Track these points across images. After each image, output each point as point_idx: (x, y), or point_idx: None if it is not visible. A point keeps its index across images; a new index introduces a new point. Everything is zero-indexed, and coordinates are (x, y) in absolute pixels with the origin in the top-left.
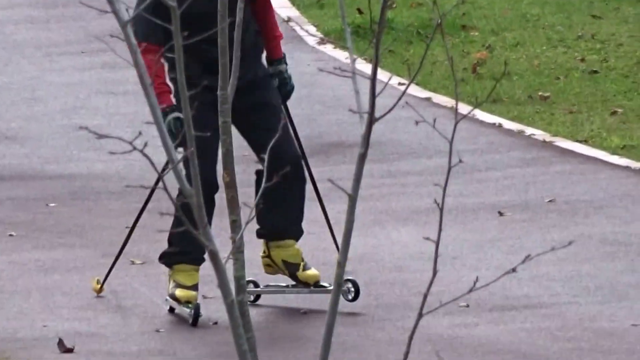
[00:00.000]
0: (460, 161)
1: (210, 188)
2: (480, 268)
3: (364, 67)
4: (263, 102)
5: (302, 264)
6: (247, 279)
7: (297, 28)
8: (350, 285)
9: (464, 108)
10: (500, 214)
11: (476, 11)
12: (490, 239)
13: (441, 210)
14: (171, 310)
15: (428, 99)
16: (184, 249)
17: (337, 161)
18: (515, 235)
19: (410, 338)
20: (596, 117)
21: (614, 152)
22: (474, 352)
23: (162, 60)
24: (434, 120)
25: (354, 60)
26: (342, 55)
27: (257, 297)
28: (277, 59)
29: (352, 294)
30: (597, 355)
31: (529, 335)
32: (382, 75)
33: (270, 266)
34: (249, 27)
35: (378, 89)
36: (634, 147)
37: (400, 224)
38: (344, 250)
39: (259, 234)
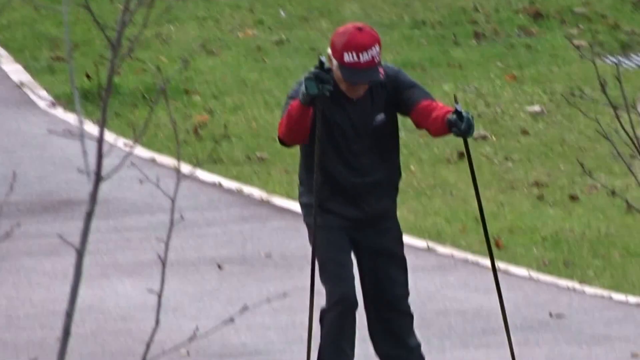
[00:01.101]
0: (182, 218)
1: (351, 305)
2: (200, 318)
3: (92, 129)
4: (386, 247)
5: None
6: None
7: (30, 92)
8: None
9: (185, 168)
10: (220, 267)
11: (198, 76)
12: (209, 290)
13: (164, 263)
14: None
15: (152, 160)
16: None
17: (67, 218)
18: (233, 287)
19: None
20: None
21: None
22: None
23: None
24: (158, 179)
25: (82, 123)
26: (72, 118)
27: None
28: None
29: None
30: None
31: None
32: (109, 136)
33: None
34: (386, 152)
35: (105, 149)
36: None
37: (125, 276)
38: (71, 302)
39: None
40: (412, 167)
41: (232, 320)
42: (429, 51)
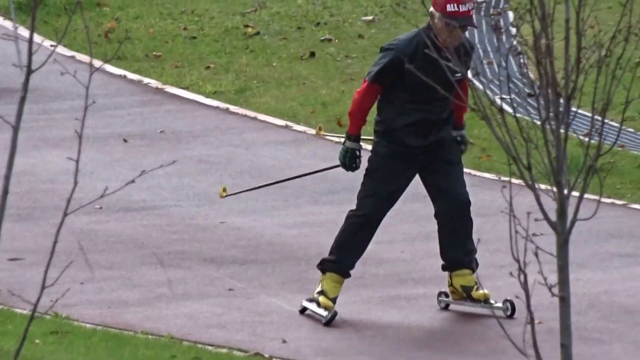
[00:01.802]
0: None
1: (375, 222)
2: (110, 180)
3: (25, 33)
4: (451, 161)
5: (475, 286)
6: (442, 290)
7: None
8: (508, 304)
9: (97, 63)
10: (125, 140)
11: None
12: (117, 159)
13: (80, 138)
14: (303, 311)
15: (72, 57)
16: (340, 259)
17: (6, 102)
18: (135, 156)
19: (58, 231)
20: (195, 70)
21: (207, 96)
22: (106, 242)
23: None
24: (75, 72)
25: (16, 28)
26: (9, 25)
27: (447, 305)
28: (460, 126)
29: (509, 312)
30: (195, 244)
31: (145, 229)
32: (38, 39)
33: (455, 293)
34: (448, 103)
35: (34, 49)
36: (222, 93)
37: (51, 148)
38: (9, 167)
39: (443, 267)
40: (274, 63)
41: (133, 181)
42: None
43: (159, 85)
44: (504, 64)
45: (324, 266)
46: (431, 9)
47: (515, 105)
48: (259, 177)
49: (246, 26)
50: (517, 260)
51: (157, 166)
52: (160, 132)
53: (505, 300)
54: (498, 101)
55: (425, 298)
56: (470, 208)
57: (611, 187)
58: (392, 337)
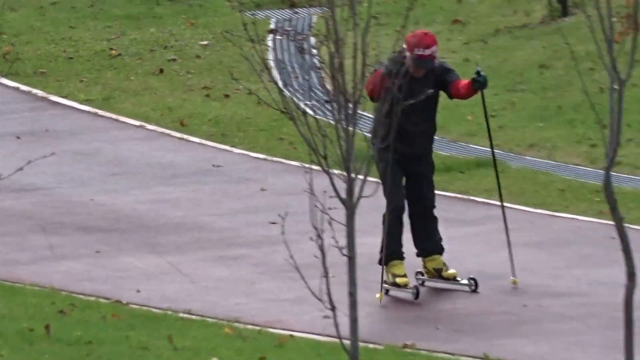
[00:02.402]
0: None
1: (401, 211)
2: (6, 168)
3: None
4: (425, 175)
5: (444, 267)
6: (419, 270)
7: None
8: (472, 281)
9: None
10: (18, 137)
11: (5, 23)
12: (12, 152)
13: None
14: (387, 292)
15: None
16: (394, 250)
17: None
18: (26, 150)
19: None
20: (71, 83)
21: (81, 103)
22: (1, 215)
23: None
24: None
25: None
26: None
27: (423, 282)
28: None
29: (474, 287)
30: (71, 216)
31: (33, 205)
32: None
33: (428, 273)
34: (431, 114)
35: None
36: (92, 100)
37: None
38: None
39: (417, 255)
40: (132, 78)
41: (22, 169)
42: (140, 8)
43: (44, 94)
44: (307, 77)
45: (383, 260)
46: (404, 45)
47: (315, 109)
48: (120, 165)
49: (111, 49)
50: (316, 228)
51: (42, 157)
52: (45, 130)
53: (470, 278)
54: (302, 106)
55: (248, 257)
56: (435, 210)
57: None
58: (222, 287)
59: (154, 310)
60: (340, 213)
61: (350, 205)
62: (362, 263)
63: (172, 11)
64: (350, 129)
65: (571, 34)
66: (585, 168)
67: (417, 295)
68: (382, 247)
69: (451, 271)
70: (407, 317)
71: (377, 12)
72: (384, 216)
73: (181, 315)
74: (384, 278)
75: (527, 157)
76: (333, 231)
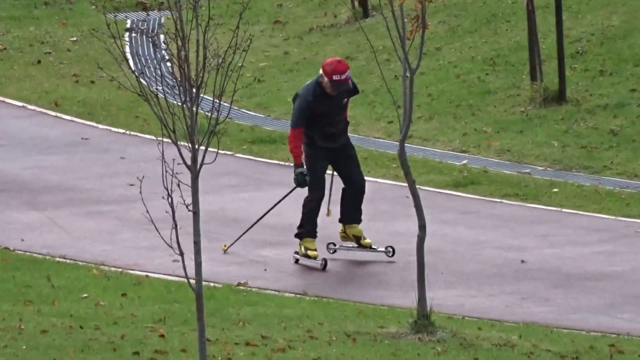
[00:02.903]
0: None
1: (322, 198)
2: None
3: None
4: (350, 155)
5: (362, 236)
6: (331, 241)
7: None
8: (390, 248)
9: None
10: None
11: None
12: None
13: None
14: (296, 261)
15: None
16: (309, 229)
17: None
18: None
19: None
20: None
21: None
22: None
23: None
24: None
25: None
26: None
27: (335, 251)
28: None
29: (391, 254)
30: None
31: None
32: None
33: (345, 237)
34: (343, 119)
35: None
36: None
37: None
38: None
39: (340, 220)
40: (15, 67)
41: None
42: (21, 10)
43: None
44: (158, 67)
45: (300, 235)
46: (321, 71)
47: (165, 93)
48: (6, 138)
49: None
50: (167, 189)
51: None
52: None
53: (388, 246)
54: (155, 90)
55: (111, 212)
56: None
57: (223, 144)
58: (90, 237)
59: (36, 255)
60: (186, 177)
61: (194, 170)
62: (205, 218)
63: (48, 13)
64: (194, 109)
65: (371, 31)
66: (384, 140)
67: (324, 266)
68: (300, 225)
69: (367, 240)
70: (240, 261)
71: (214, 14)
72: (305, 200)
73: (57, 259)
74: (297, 250)
75: None
76: (181, 191)
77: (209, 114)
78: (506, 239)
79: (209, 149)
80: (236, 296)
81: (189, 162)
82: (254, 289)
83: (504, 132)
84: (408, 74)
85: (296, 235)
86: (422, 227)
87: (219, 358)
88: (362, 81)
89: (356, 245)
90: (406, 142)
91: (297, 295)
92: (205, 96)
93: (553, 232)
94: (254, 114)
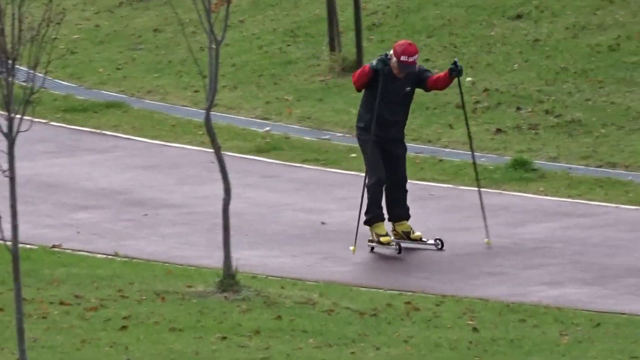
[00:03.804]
0: None
1: (383, 182)
2: None
3: None
4: (399, 155)
5: (411, 230)
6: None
7: None
8: (438, 241)
9: None
10: None
11: None
12: None
13: None
14: (372, 249)
15: None
16: (377, 213)
17: None
18: None
19: None
20: None
21: None
22: None
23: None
24: None
25: None
26: None
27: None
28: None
29: (440, 246)
30: None
31: None
32: None
33: (397, 235)
34: (407, 107)
35: None
36: None
37: None
38: None
39: (389, 219)
40: None
41: None
42: None
43: None
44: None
45: (369, 221)
46: (391, 51)
47: None
48: None
49: None
50: None
51: None
52: None
53: (436, 238)
54: None
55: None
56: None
57: (38, 112)
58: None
59: None
60: (2, 144)
61: (10, 138)
62: (21, 182)
63: None
64: (10, 79)
65: (179, 5)
66: (191, 108)
67: (399, 250)
68: (366, 211)
69: (417, 233)
70: (54, 224)
71: None
72: (367, 186)
73: None
74: (370, 237)
75: (146, 101)
76: None
77: (25, 84)
78: (307, 202)
79: (25, 117)
80: (50, 257)
81: (5, 130)
82: (67, 250)
83: (305, 100)
84: (214, 46)
85: (365, 222)
86: (227, 190)
87: (35, 317)
88: (169, 52)
89: (408, 240)
90: (212, 110)
91: (109, 257)
92: (20, 67)
93: (352, 195)
94: (67, 83)
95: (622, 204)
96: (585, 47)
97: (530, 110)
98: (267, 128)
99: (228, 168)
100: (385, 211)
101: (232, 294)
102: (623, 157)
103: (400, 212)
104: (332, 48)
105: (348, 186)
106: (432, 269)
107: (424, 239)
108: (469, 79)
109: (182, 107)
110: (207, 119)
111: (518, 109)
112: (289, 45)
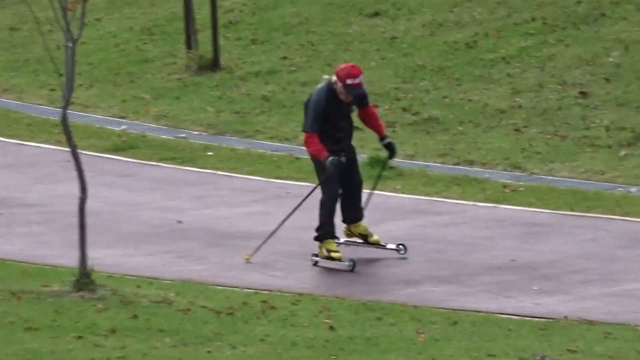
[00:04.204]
0: None
1: (337, 199)
2: None
3: None
4: (352, 158)
5: (368, 233)
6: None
7: None
8: (401, 246)
9: None
10: None
11: None
12: None
13: None
14: (315, 264)
15: None
16: (330, 230)
17: None
18: None
19: None
20: None
21: None
22: None
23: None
24: None
25: None
26: None
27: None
28: (385, 136)
29: (403, 251)
30: None
31: None
32: None
33: (350, 234)
34: (350, 123)
35: None
36: None
37: None
38: None
39: (343, 221)
40: None
41: None
42: None
43: None
44: None
45: (320, 237)
46: (334, 77)
47: None
48: None
49: None
50: None
51: None
52: None
53: (399, 243)
54: None
55: None
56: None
57: None
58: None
59: None
60: None
61: None
62: None
63: None
64: None
65: (35, 3)
66: (47, 107)
67: (353, 267)
68: (319, 227)
69: (375, 237)
70: None
71: None
72: (321, 202)
73: None
74: (316, 252)
75: (2, 100)
76: None
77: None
78: (163, 201)
79: None
80: None
81: None
82: None
83: (162, 98)
84: (70, 44)
85: (316, 238)
86: (83, 189)
87: None
88: (26, 51)
89: (362, 241)
90: (68, 109)
91: None
92: None
93: (208, 193)
94: None
95: (479, 201)
96: (442, 44)
97: (387, 107)
98: (124, 127)
99: (84, 167)
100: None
101: (88, 293)
102: (480, 155)
103: (355, 214)
104: (189, 46)
105: (204, 184)
106: (288, 267)
107: (382, 243)
108: (325, 76)
109: (39, 105)
110: (64, 117)
111: (375, 106)
112: (145, 43)
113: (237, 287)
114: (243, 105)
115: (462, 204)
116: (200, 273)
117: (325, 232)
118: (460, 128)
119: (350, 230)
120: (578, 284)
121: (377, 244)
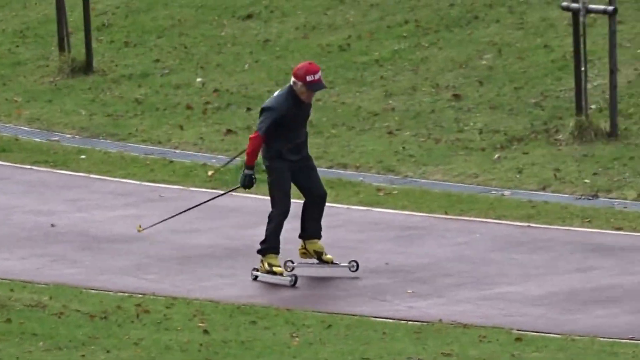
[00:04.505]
0: None
1: (287, 214)
2: None
3: None
4: (310, 166)
5: (323, 251)
6: (288, 259)
7: None
8: (354, 262)
9: None
10: None
11: None
12: None
13: None
14: (255, 278)
15: None
16: (274, 245)
17: None
18: None
19: None
20: None
21: None
22: None
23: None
24: None
25: None
26: None
27: (293, 268)
28: None
29: (355, 268)
30: None
31: None
32: None
33: (305, 254)
34: (305, 129)
35: None
36: None
37: None
38: None
39: (300, 236)
40: None
41: None
42: None
43: None
44: None
45: (264, 251)
46: (293, 79)
47: None
48: None
49: None
50: None
51: None
52: None
53: (351, 260)
54: None
55: None
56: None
57: None
58: None
59: None
60: None
61: None
62: None
63: None
64: None
65: None
66: None
67: (295, 282)
68: (264, 240)
69: (329, 256)
70: None
71: None
72: (270, 216)
73: None
74: (257, 267)
75: None
76: None
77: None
78: (36, 204)
79: None
80: None
81: None
82: None
83: (34, 101)
84: None
85: (259, 251)
86: None
87: None
88: None
89: (317, 261)
90: None
91: None
92: None
93: (81, 196)
94: None
95: (353, 204)
96: (315, 47)
97: None
98: None
99: None
100: (299, 227)
101: None
102: (354, 158)
103: (313, 231)
104: (61, 49)
105: (78, 188)
106: (162, 271)
107: (335, 262)
108: (198, 79)
109: None
110: None
111: (248, 109)
112: (17, 46)
113: (111, 291)
114: (116, 108)
115: (335, 207)
116: (74, 276)
117: (269, 246)
118: (333, 131)
119: (305, 248)
120: (452, 287)
121: (330, 263)
